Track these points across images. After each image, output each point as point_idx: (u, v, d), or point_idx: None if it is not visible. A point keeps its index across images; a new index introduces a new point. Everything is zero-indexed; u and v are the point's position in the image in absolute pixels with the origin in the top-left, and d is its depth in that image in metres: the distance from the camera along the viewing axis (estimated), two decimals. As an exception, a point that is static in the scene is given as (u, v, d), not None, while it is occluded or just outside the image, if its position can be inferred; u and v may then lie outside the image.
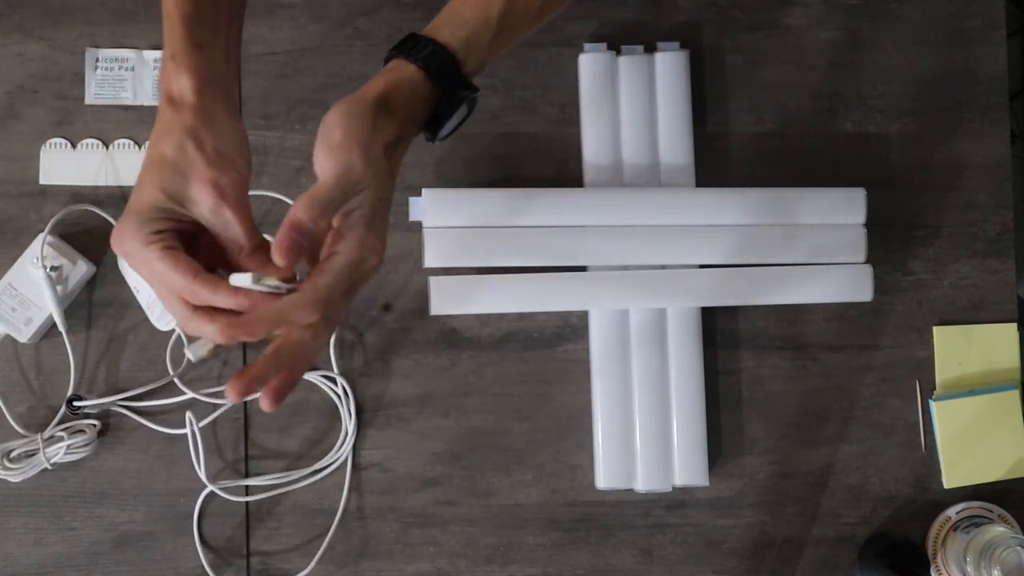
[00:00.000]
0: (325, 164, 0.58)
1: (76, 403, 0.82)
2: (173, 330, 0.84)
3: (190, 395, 0.83)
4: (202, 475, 0.82)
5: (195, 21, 0.60)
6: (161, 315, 0.83)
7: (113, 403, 0.83)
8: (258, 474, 0.84)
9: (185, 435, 0.83)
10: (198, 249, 0.59)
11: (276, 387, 0.56)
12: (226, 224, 0.59)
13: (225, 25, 0.63)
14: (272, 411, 0.56)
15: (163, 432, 0.84)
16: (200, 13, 0.60)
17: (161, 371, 0.84)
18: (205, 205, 0.58)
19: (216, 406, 0.84)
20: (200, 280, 0.56)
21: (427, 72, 0.61)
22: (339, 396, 0.85)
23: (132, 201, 0.59)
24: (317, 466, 0.84)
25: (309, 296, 0.56)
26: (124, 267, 0.83)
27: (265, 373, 0.55)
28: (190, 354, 0.59)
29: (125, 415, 0.84)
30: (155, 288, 0.58)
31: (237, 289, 0.56)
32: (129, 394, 0.83)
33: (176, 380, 0.83)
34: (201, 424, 0.83)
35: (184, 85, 0.59)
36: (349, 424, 0.84)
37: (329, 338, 0.58)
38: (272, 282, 0.56)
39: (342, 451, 0.84)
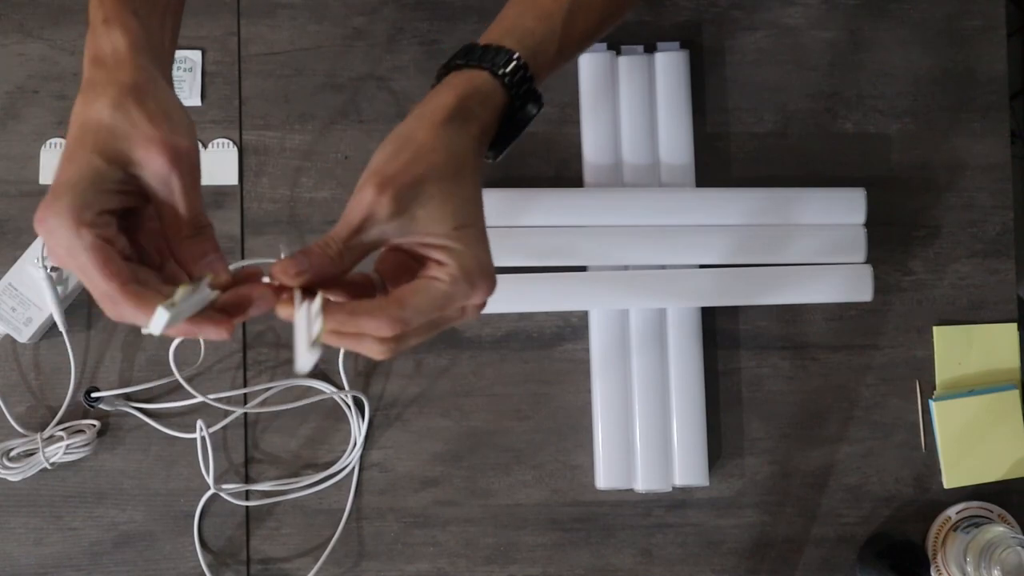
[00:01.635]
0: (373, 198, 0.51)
1: (94, 394, 0.82)
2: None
3: (200, 399, 0.83)
4: (210, 480, 0.82)
5: None
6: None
7: (128, 394, 0.83)
8: (260, 476, 0.84)
9: (184, 435, 0.83)
10: (140, 233, 0.52)
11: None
12: (171, 197, 0.50)
13: (161, 7, 0.57)
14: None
15: (164, 433, 0.84)
16: None
17: (162, 371, 0.84)
18: (153, 168, 0.49)
19: (226, 412, 0.84)
20: (127, 292, 0.48)
21: (505, 83, 0.55)
22: (348, 406, 0.85)
23: (61, 176, 0.49)
24: (322, 475, 0.84)
25: (393, 312, 0.50)
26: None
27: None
28: (153, 327, 0.48)
29: (125, 415, 0.84)
30: (79, 276, 0.49)
31: (155, 314, 0.47)
32: (141, 387, 0.83)
33: (183, 382, 0.83)
34: (211, 430, 0.83)
35: (118, 42, 0.51)
36: (359, 436, 0.84)
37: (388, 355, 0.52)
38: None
39: (350, 459, 0.84)
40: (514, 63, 0.56)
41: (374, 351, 0.51)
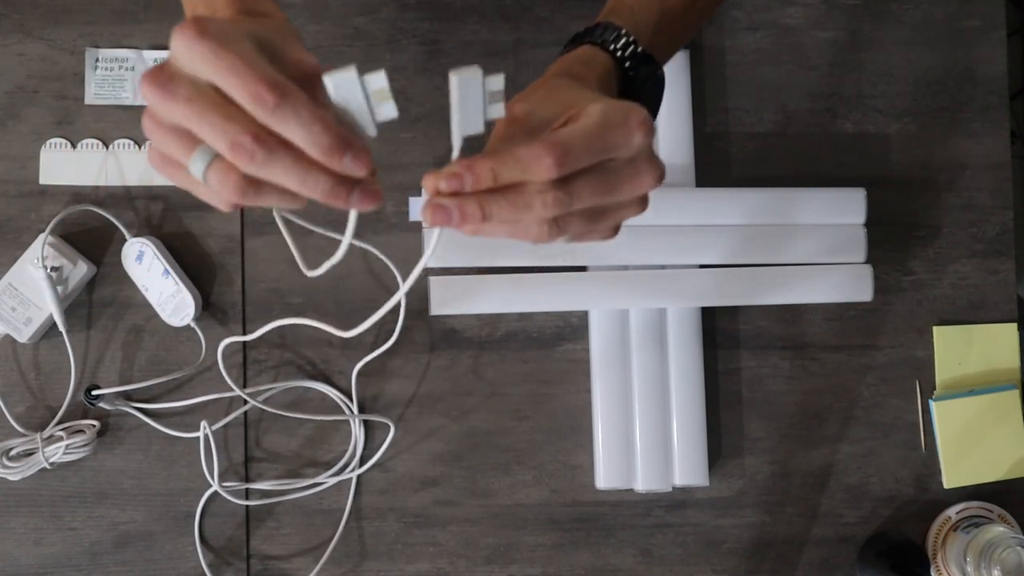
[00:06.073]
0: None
1: (95, 392, 0.82)
2: (179, 328, 0.84)
3: (202, 398, 0.83)
4: (214, 480, 0.82)
5: None
6: (173, 312, 0.83)
7: (128, 394, 0.83)
8: (260, 475, 0.84)
9: (185, 435, 0.83)
10: None
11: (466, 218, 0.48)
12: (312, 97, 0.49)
13: None
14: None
15: (164, 432, 0.84)
16: None
17: (162, 370, 0.84)
18: (304, 66, 0.48)
19: (228, 410, 0.84)
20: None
21: (597, 44, 0.59)
22: (351, 411, 0.85)
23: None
24: (323, 477, 0.84)
25: (550, 138, 0.47)
26: (129, 265, 0.83)
27: (471, 209, 0.48)
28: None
29: (125, 415, 0.84)
30: (198, 104, 0.44)
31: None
32: (141, 385, 0.83)
33: (203, 371, 0.83)
34: (213, 428, 0.83)
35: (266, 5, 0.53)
36: (359, 440, 0.85)
37: (557, 233, 0.49)
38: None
39: (349, 469, 0.84)
40: (602, 27, 0.60)
41: (541, 204, 0.48)
